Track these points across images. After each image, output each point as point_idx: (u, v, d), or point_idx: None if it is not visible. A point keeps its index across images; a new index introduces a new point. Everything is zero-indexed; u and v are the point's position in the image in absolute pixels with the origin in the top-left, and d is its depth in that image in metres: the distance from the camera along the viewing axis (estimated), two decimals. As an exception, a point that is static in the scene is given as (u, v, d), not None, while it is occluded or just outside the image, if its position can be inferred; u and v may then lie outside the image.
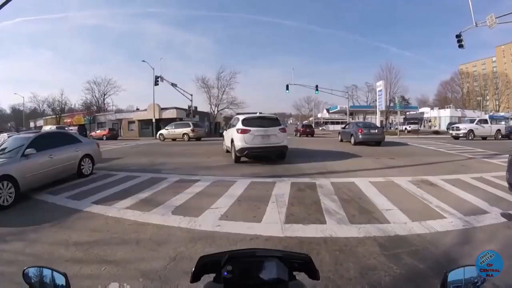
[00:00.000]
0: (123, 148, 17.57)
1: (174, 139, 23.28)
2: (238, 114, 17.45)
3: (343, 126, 22.31)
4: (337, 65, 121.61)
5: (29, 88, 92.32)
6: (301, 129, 30.36)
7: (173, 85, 30.67)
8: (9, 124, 62.11)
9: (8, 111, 64.72)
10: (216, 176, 7.29)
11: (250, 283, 0.92)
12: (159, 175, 7.72)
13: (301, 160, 9.92)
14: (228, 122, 15.50)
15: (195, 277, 0.97)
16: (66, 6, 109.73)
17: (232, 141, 9.66)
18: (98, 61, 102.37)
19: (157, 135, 25.17)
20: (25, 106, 55.57)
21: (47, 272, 0.92)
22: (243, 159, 9.53)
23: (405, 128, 37.62)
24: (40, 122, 49.29)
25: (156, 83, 29.56)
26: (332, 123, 76.54)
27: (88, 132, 35.10)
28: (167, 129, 24.23)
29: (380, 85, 37.31)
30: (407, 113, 51.29)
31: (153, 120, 33.28)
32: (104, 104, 58.57)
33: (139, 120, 37.82)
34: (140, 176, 7.74)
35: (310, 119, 77.72)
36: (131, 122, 39.08)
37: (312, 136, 28.71)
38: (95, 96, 57.55)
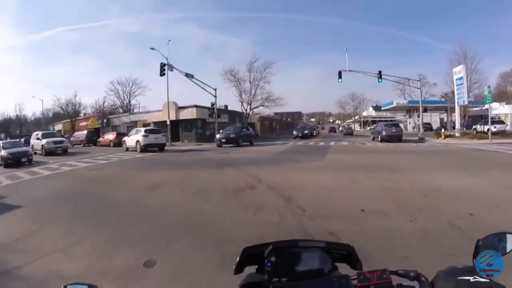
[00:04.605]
0: (82, 173, 10.39)
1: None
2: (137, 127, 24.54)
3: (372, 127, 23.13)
4: (379, 62, 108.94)
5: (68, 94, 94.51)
6: (329, 128, 55.62)
7: (188, 75, 23.33)
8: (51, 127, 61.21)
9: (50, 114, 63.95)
10: None
11: (293, 274, 0.88)
12: None
13: None
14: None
15: (239, 269, 0.94)
16: (107, 14, 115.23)
17: (137, 141, 18.24)
18: (135, 65, 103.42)
19: None
20: (53, 110, 53.40)
21: None
22: None
23: (488, 129, 26.55)
24: (59, 126, 45.99)
25: (162, 73, 22.33)
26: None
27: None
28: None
29: (459, 71, 26.14)
30: (470, 109, 39.11)
31: (168, 122, 26.41)
32: (129, 105, 54.58)
33: (154, 122, 31.35)
34: None
35: (356, 117, 67.04)
36: (146, 124, 32.68)
37: (335, 132, 49.21)
38: (120, 98, 53.78)
